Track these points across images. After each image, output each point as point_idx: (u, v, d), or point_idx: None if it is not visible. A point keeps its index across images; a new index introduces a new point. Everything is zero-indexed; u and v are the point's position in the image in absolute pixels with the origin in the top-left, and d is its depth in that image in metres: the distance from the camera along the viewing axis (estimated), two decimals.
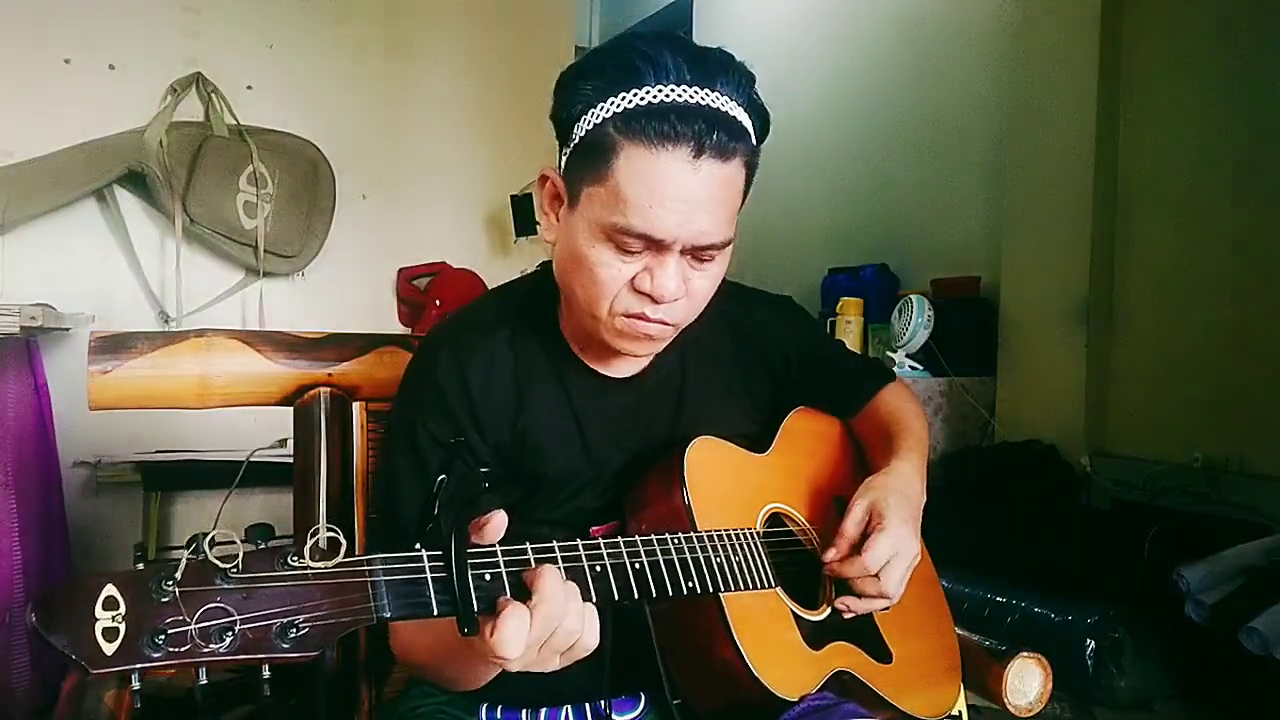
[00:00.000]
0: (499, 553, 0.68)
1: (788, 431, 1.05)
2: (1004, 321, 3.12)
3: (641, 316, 0.84)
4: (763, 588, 0.88)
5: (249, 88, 2.83)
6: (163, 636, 0.53)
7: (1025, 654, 1.10)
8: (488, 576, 0.66)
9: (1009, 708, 1.09)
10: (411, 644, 0.86)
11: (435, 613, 0.63)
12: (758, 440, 1.02)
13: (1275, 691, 1.98)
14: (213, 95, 2.73)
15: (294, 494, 1.12)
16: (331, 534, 0.60)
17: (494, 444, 0.90)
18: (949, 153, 3.52)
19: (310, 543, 0.59)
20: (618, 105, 0.78)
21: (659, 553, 0.79)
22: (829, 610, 0.93)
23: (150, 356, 1.04)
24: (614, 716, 0.93)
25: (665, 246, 0.81)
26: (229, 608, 0.56)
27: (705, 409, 1.00)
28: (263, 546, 0.58)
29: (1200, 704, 2.26)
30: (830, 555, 0.92)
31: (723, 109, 0.79)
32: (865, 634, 0.97)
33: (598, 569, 0.74)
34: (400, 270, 3.14)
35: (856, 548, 0.90)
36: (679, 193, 0.78)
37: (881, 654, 0.97)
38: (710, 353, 1.01)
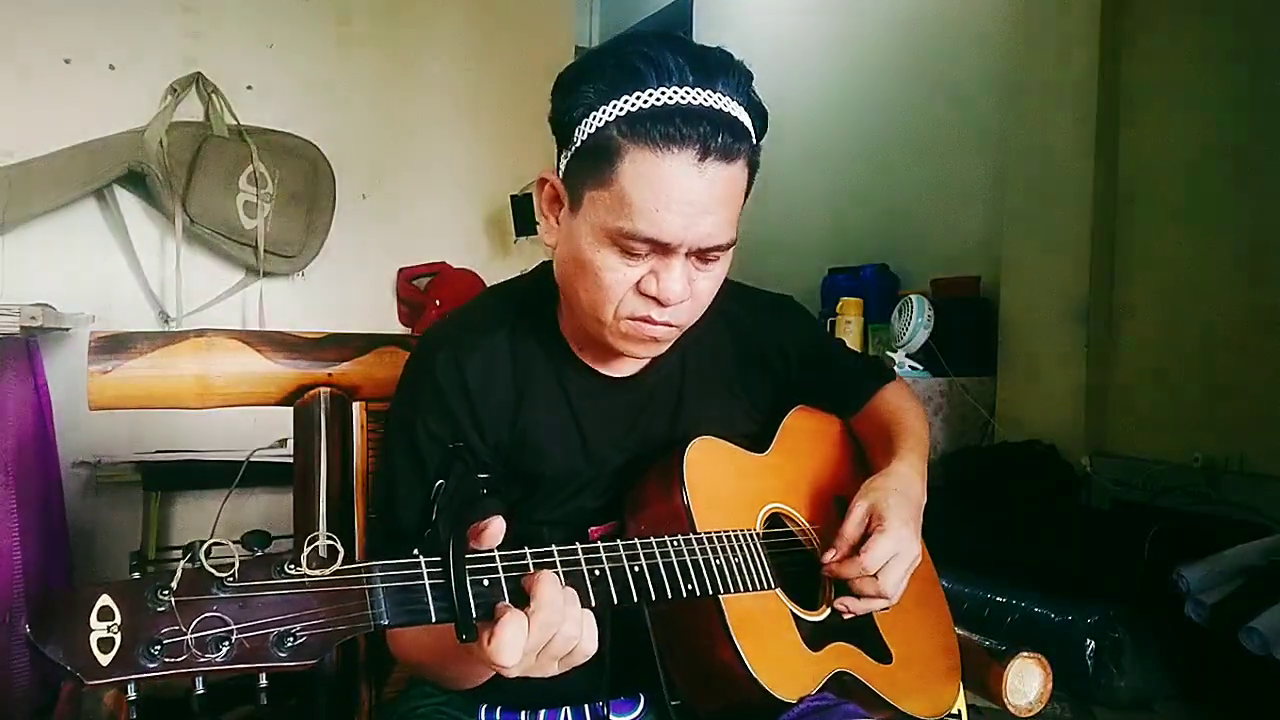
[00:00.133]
0: (497, 558, 0.67)
1: (787, 431, 1.05)
2: (1004, 321, 3.12)
3: (647, 319, 0.84)
4: (762, 589, 0.88)
5: (249, 88, 2.83)
6: (158, 647, 0.53)
7: (1025, 654, 1.10)
8: (486, 582, 0.66)
9: (1009, 708, 1.09)
10: (410, 644, 0.86)
11: (433, 620, 0.63)
12: (757, 440, 1.02)
13: (1275, 691, 1.98)
14: (213, 95, 2.73)
15: (294, 494, 1.12)
16: (329, 541, 0.59)
17: (493, 443, 0.90)
18: (949, 153, 3.52)
19: (307, 550, 0.59)
20: (620, 108, 0.78)
21: (658, 555, 0.79)
22: (829, 611, 0.93)
23: (150, 356, 1.04)
24: (613, 718, 0.93)
25: (671, 249, 0.80)
26: (225, 617, 0.55)
27: (705, 408, 0.99)
28: (259, 554, 0.58)
29: (1200, 704, 2.26)
30: (829, 556, 0.92)
31: (726, 110, 0.79)
32: (865, 634, 0.96)
33: (596, 573, 0.73)
34: (400, 270, 3.14)
35: (856, 549, 0.90)
36: (685, 196, 0.78)
37: (881, 654, 0.97)
38: (710, 352, 1.01)
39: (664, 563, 0.79)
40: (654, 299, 0.82)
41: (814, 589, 0.97)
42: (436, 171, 3.22)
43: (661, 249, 0.80)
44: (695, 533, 0.85)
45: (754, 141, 0.83)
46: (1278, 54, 2.48)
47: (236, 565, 0.56)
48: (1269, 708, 2.02)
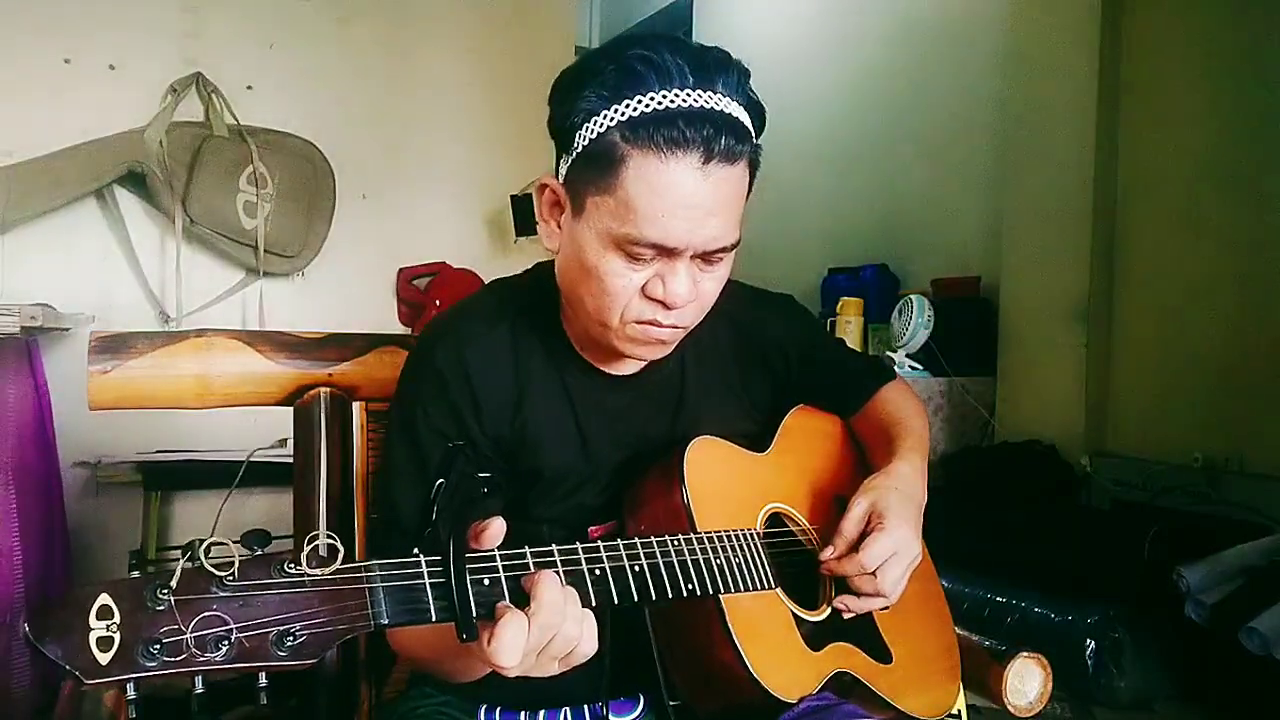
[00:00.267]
0: (498, 558, 0.67)
1: (788, 430, 1.05)
2: (1004, 321, 3.12)
3: (654, 323, 0.84)
4: (763, 589, 0.88)
5: (249, 88, 2.83)
6: (158, 646, 0.53)
7: (1025, 654, 1.10)
8: (486, 582, 0.66)
9: (1009, 708, 1.09)
10: (410, 639, 0.86)
11: (433, 619, 0.63)
12: (757, 439, 1.02)
13: (1275, 691, 1.98)
14: (213, 95, 2.73)
15: (294, 494, 1.12)
16: (329, 541, 0.59)
17: (493, 435, 0.90)
18: (949, 153, 3.52)
19: (307, 549, 0.58)
20: (622, 113, 0.77)
21: (658, 555, 0.79)
22: (829, 611, 0.93)
23: (150, 356, 1.04)
24: (612, 718, 0.93)
25: (676, 253, 0.80)
26: (225, 616, 0.55)
27: (705, 408, 0.99)
28: (259, 553, 0.58)
29: (1200, 704, 2.26)
30: (827, 554, 0.92)
31: (727, 111, 0.79)
32: (865, 635, 0.96)
33: (597, 572, 0.73)
34: (400, 270, 3.14)
35: (855, 547, 0.90)
36: (690, 200, 0.78)
37: (881, 654, 0.97)
38: (711, 352, 1.01)
39: (664, 562, 0.79)
40: (660, 302, 0.83)
41: (814, 589, 0.97)
42: (436, 171, 3.22)
43: (667, 253, 0.80)
44: (695, 532, 0.85)
45: (754, 141, 0.83)
46: (1278, 55, 2.48)
47: (236, 564, 0.56)
48: (1269, 708, 2.02)
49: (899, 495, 0.94)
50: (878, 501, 0.93)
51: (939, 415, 3.08)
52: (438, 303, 3.04)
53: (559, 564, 0.70)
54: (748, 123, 0.82)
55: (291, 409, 1.12)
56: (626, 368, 0.95)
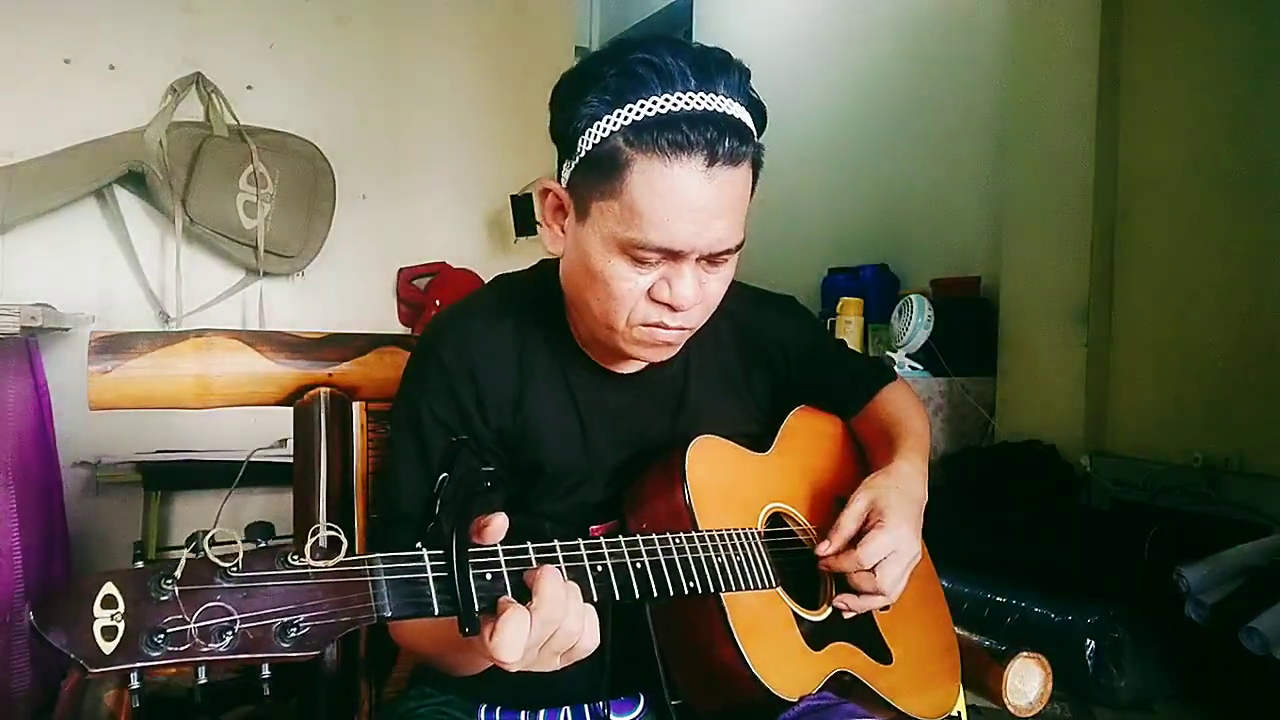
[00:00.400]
0: (500, 552, 0.67)
1: (789, 431, 1.05)
2: (1004, 321, 3.12)
3: (660, 325, 0.84)
4: (763, 588, 0.88)
5: (249, 88, 2.83)
6: (162, 635, 0.53)
7: (1025, 654, 1.10)
8: (489, 576, 0.66)
9: (1009, 708, 1.09)
10: (412, 632, 0.86)
11: (436, 613, 0.63)
12: (759, 439, 1.02)
13: (1275, 691, 1.98)
14: (213, 95, 2.73)
15: (294, 494, 1.12)
16: (332, 533, 0.60)
17: (496, 429, 0.91)
18: (949, 153, 3.53)
19: (310, 541, 0.59)
20: (625, 117, 0.77)
21: (660, 552, 0.79)
22: (829, 610, 0.93)
23: (150, 356, 1.04)
24: (613, 718, 0.93)
25: (682, 256, 0.81)
26: (229, 607, 0.55)
27: (707, 407, 1.00)
28: (263, 545, 0.58)
29: (1200, 704, 2.26)
30: (823, 548, 0.92)
31: (729, 113, 0.79)
32: (865, 635, 0.96)
33: (599, 568, 0.73)
34: (400, 270, 3.14)
35: (854, 543, 0.90)
36: (695, 203, 0.78)
37: (881, 655, 0.97)
38: (714, 352, 1.02)
39: (666, 559, 0.79)
40: (666, 305, 0.83)
41: (815, 589, 0.97)
42: (436, 171, 3.22)
43: (672, 256, 0.81)
44: (697, 531, 0.85)
45: (757, 141, 0.83)
46: (1277, 54, 2.48)
47: (240, 556, 0.56)
48: (1269, 708, 2.02)
49: (899, 494, 0.94)
50: (878, 499, 0.93)
51: (939, 415, 3.08)
52: (438, 303, 3.04)
53: (561, 559, 0.71)
54: (750, 123, 0.82)
55: (291, 409, 1.12)
56: (629, 366, 0.96)
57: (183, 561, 0.55)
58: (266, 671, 0.51)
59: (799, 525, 1.00)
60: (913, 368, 3.08)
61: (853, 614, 0.93)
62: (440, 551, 0.64)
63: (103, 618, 0.52)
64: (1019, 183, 3.10)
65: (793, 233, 4.15)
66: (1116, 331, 2.87)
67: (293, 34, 2.93)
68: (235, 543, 0.57)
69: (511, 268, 1.03)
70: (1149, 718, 2.24)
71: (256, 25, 2.87)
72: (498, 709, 0.94)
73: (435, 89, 3.22)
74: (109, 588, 0.53)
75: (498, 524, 0.68)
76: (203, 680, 0.48)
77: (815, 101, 4.13)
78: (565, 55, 3.51)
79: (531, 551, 0.69)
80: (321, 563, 0.59)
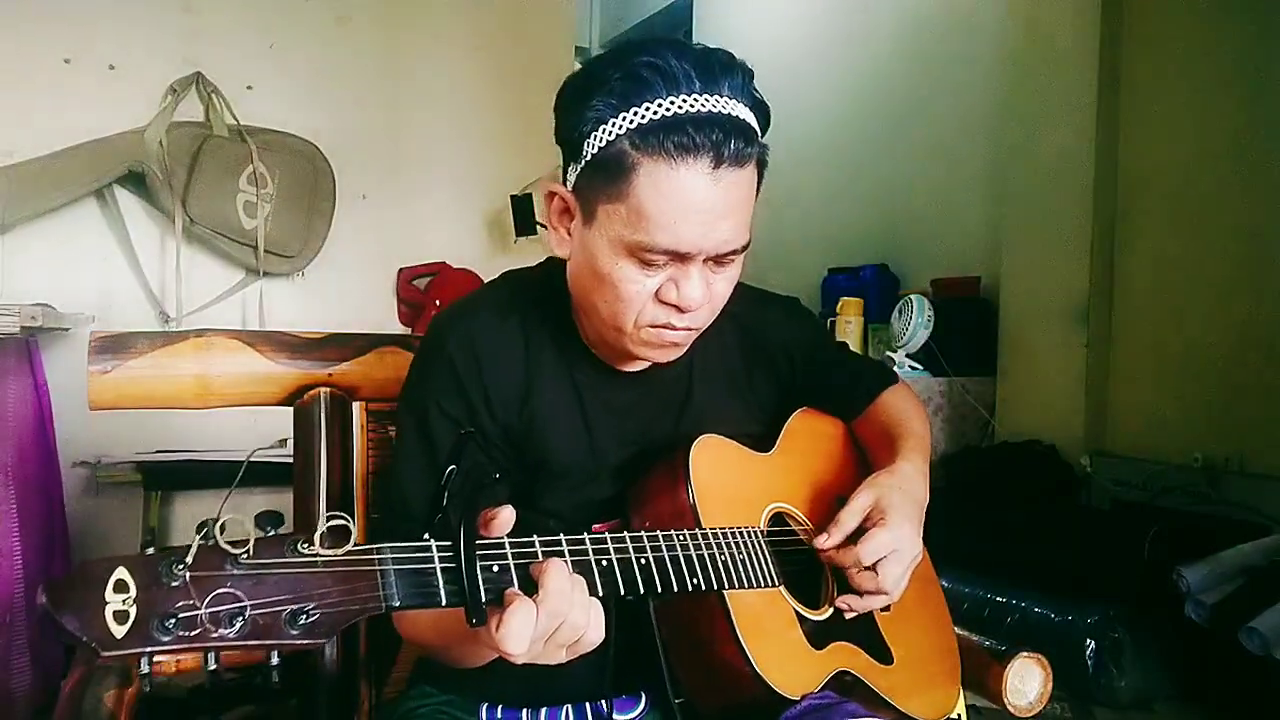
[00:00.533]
0: (507, 545, 0.68)
1: (791, 432, 1.05)
2: (1004, 321, 3.12)
3: (668, 326, 0.85)
4: (766, 586, 0.88)
5: (249, 88, 2.83)
6: (173, 620, 0.53)
7: (1025, 654, 1.10)
8: (495, 568, 0.66)
9: (1009, 708, 1.09)
10: (417, 625, 0.86)
11: (443, 603, 0.63)
12: (761, 440, 1.02)
13: (1275, 691, 1.98)
14: (213, 95, 2.73)
15: (294, 494, 1.12)
16: (341, 522, 0.60)
17: (502, 424, 0.91)
18: (949, 153, 3.53)
19: (320, 530, 0.59)
20: (631, 121, 0.78)
21: (664, 549, 0.80)
22: (831, 610, 0.94)
23: (150, 356, 1.04)
24: (615, 716, 0.93)
25: (689, 258, 0.81)
26: (239, 593, 0.56)
27: (711, 407, 1.00)
28: (272, 534, 0.58)
29: (1200, 704, 2.26)
30: (821, 540, 0.92)
31: (734, 114, 0.79)
32: (866, 635, 0.97)
33: (604, 564, 0.74)
34: (400, 270, 3.14)
35: (854, 539, 0.90)
36: (701, 205, 0.78)
37: (882, 655, 0.97)
38: (718, 352, 1.02)
39: (669, 556, 0.80)
40: (674, 306, 0.83)
41: (816, 589, 0.97)
42: (436, 171, 3.22)
43: (679, 258, 0.81)
44: (700, 529, 0.86)
45: (761, 141, 0.83)
46: (1277, 54, 2.48)
47: (251, 543, 0.57)
48: (1269, 708, 2.02)
49: (902, 494, 0.94)
50: (880, 498, 0.93)
51: (939, 415, 3.08)
52: (438, 303, 3.05)
53: (566, 554, 0.71)
54: (754, 124, 0.82)
55: (291, 409, 1.12)
56: (635, 365, 0.96)
57: (194, 548, 0.55)
58: (275, 659, 0.51)
59: (801, 525, 1.00)
60: (913, 368, 3.08)
61: (854, 614, 0.93)
62: (448, 543, 0.64)
63: (114, 602, 0.53)
64: (1019, 183, 3.10)
65: (793, 233, 4.15)
66: (1116, 331, 2.87)
67: (293, 34, 2.93)
68: (246, 531, 0.57)
69: (511, 268, 1.03)
70: (1149, 718, 2.24)
71: (256, 25, 2.87)
72: (499, 707, 0.94)
73: (435, 89, 3.22)
74: (121, 572, 0.53)
75: (504, 517, 0.68)
76: (212, 666, 0.49)
77: (815, 101, 4.12)
78: (565, 55, 3.52)
79: (538, 545, 0.70)
80: (330, 551, 0.59)
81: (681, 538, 0.82)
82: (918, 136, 3.67)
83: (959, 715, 1.06)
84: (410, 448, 0.91)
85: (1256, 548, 2.20)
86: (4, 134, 2.45)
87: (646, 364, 0.96)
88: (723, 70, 0.80)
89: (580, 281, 0.88)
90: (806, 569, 0.96)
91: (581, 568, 0.71)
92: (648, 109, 0.77)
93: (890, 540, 0.89)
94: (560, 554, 0.70)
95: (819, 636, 0.91)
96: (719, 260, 0.83)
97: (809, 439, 1.08)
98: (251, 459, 1.99)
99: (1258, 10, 2.53)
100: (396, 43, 3.15)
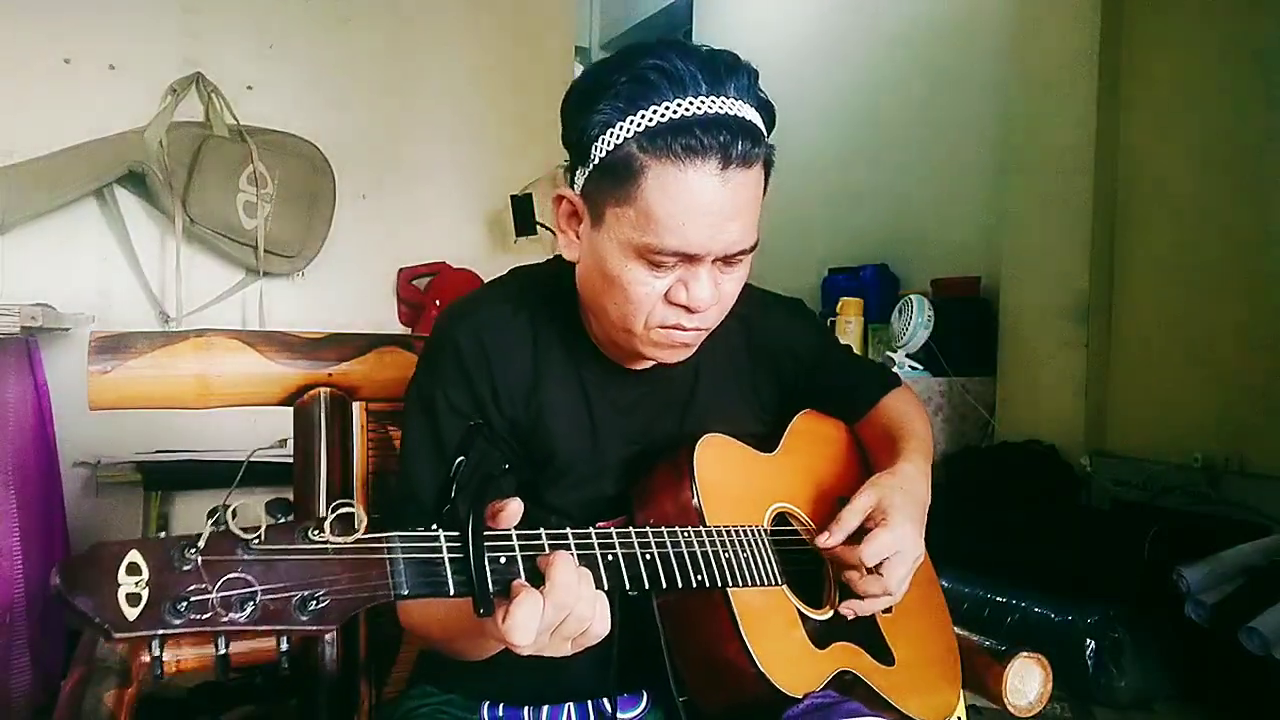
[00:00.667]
0: (514, 537, 0.68)
1: (795, 433, 1.06)
2: (1004, 321, 3.12)
3: (678, 326, 0.85)
4: (769, 585, 0.88)
5: (249, 88, 2.83)
6: (185, 604, 0.54)
7: (1025, 654, 1.10)
8: (503, 560, 0.67)
9: (1009, 708, 1.09)
10: (423, 618, 0.86)
11: (452, 593, 0.63)
12: (765, 440, 1.03)
13: (1275, 691, 1.98)
14: (213, 95, 2.73)
15: (294, 494, 1.12)
16: (351, 510, 0.60)
17: (509, 418, 0.91)
18: (949, 153, 3.53)
19: (331, 517, 0.60)
20: (639, 124, 0.78)
21: (669, 545, 0.80)
22: (833, 611, 0.94)
23: (150, 356, 1.04)
24: (617, 715, 0.93)
25: (698, 259, 0.82)
26: (250, 578, 0.56)
27: (715, 407, 1.00)
28: (283, 520, 0.59)
29: (1200, 704, 2.26)
30: (823, 539, 0.92)
31: (741, 115, 0.80)
32: (868, 635, 0.97)
33: (609, 558, 0.74)
34: (400, 270, 3.14)
35: (855, 538, 0.90)
36: (710, 206, 0.79)
37: (884, 656, 0.97)
38: (724, 352, 1.02)
39: (674, 552, 0.80)
40: (684, 307, 0.84)
41: (818, 588, 0.97)
42: (436, 171, 3.22)
43: (689, 259, 0.82)
44: (705, 527, 0.86)
45: (768, 141, 0.84)
46: (1277, 54, 2.48)
47: (262, 529, 0.57)
48: (1269, 708, 2.02)
49: (904, 494, 0.94)
50: (883, 498, 0.93)
51: (939, 415, 3.08)
52: (438, 303, 3.05)
53: (573, 547, 0.71)
54: (760, 124, 0.82)
55: (291, 409, 1.12)
56: (641, 364, 0.96)
57: (206, 532, 0.56)
58: (285, 645, 0.51)
59: (803, 526, 1.00)
60: (913, 368, 3.08)
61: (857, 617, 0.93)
62: (456, 533, 0.65)
63: (127, 584, 0.53)
64: (1019, 183, 3.10)
65: (793, 233, 4.15)
66: (1116, 332, 2.87)
67: (293, 34, 2.93)
68: (257, 517, 0.58)
69: (513, 267, 1.03)
70: (1149, 718, 2.24)
71: (256, 25, 2.87)
72: (501, 705, 0.94)
73: (435, 89, 3.22)
74: (134, 555, 0.54)
75: (513, 509, 0.68)
76: (222, 650, 0.49)
77: (815, 102, 4.13)
78: (565, 55, 3.51)
79: (545, 537, 0.70)
80: (340, 539, 0.59)
81: (686, 534, 0.82)
82: (918, 136, 3.67)
83: (959, 718, 1.06)
84: (418, 439, 0.91)
85: (1256, 548, 2.20)
86: (4, 134, 2.45)
87: (653, 363, 0.96)
88: (728, 71, 0.80)
89: (589, 284, 0.89)
90: (809, 569, 0.96)
91: (587, 562, 0.71)
92: (655, 112, 0.78)
93: (892, 541, 0.89)
94: (566, 547, 0.71)
95: (821, 636, 0.91)
96: (728, 261, 0.84)
97: (812, 440, 1.08)
98: (251, 459, 1.99)
99: (1258, 10, 2.53)
100: (397, 43, 3.15)
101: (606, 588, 0.72)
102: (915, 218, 3.67)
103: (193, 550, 0.55)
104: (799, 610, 0.91)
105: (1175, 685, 2.28)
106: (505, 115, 3.28)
